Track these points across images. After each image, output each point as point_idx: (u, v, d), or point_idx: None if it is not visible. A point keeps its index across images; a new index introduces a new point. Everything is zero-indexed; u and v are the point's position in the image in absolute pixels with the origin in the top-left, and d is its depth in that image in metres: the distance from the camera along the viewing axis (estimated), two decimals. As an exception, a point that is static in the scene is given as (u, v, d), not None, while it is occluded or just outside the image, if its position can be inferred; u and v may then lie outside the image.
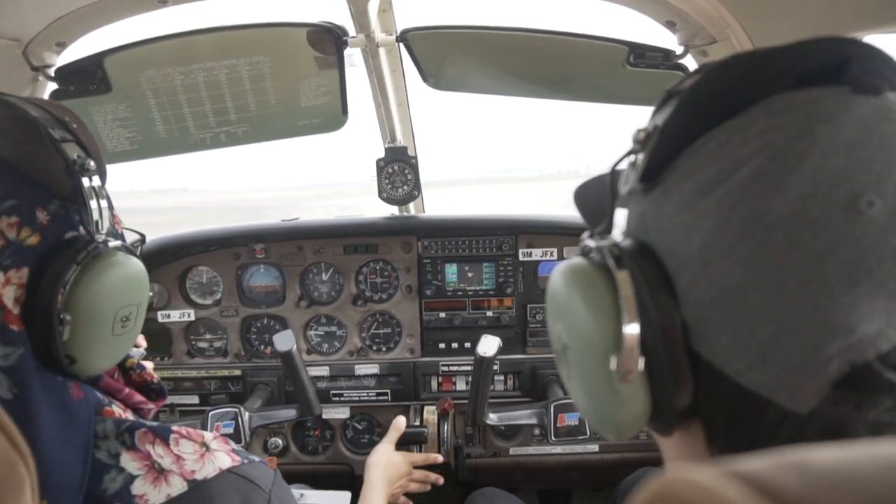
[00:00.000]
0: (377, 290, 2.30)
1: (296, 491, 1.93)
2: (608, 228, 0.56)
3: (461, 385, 2.25)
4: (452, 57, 1.86)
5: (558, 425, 1.92)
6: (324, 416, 2.28)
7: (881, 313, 0.41)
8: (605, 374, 0.49)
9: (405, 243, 2.26)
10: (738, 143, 0.46)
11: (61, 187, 0.79)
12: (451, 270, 2.27)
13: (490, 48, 1.79)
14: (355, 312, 2.30)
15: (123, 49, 1.61)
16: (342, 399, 2.26)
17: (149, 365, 1.67)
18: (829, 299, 0.41)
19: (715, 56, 1.51)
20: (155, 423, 0.85)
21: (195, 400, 2.25)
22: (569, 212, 2.21)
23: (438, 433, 2.06)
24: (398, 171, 2.19)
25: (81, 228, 0.81)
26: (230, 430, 1.89)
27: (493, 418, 1.96)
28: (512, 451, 2.28)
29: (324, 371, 2.26)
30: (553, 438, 1.92)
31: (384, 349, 2.32)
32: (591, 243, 0.54)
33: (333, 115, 1.94)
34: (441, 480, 1.91)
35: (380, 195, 2.22)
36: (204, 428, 1.87)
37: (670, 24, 1.53)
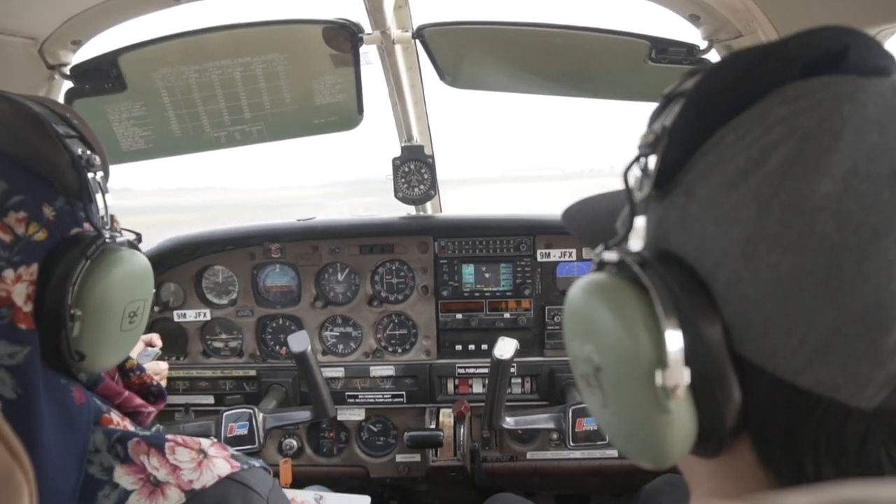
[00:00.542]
0: (393, 290, 2.28)
1: (314, 492, 1.91)
2: (625, 239, 0.52)
3: (478, 388, 2.22)
4: (470, 54, 1.83)
5: (577, 430, 1.88)
6: (339, 418, 2.27)
7: None
8: (649, 392, 0.45)
9: (422, 243, 2.24)
10: (760, 132, 0.44)
11: (67, 183, 0.79)
12: (468, 271, 2.24)
13: (508, 44, 1.75)
14: (371, 313, 2.28)
15: (138, 47, 1.62)
16: (357, 401, 2.25)
17: (164, 365, 1.68)
18: (891, 278, 0.39)
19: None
20: (148, 433, 0.83)
21: (210, 400, 2.26)
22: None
23: (454, 436, 2.04)
24: (414, 171, 2.16)
25: (86, 224, 0.81)
26: (244, 432, 1.88)
27: (509, 422, 1.92)
28: (529, 455, 2.24)
29: (339, 372, 2.24)
30: (571, 443, 1.89)
31: (400, 350, 2.30)
32: (609, 256, 0.51)
33: (349, 114, 1.92)
34: None
35: (395, 194, 2.19)
36: (218, 429, 1.87)
37: (694, 18, 1.49)
